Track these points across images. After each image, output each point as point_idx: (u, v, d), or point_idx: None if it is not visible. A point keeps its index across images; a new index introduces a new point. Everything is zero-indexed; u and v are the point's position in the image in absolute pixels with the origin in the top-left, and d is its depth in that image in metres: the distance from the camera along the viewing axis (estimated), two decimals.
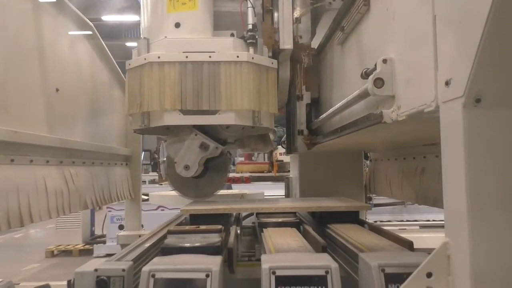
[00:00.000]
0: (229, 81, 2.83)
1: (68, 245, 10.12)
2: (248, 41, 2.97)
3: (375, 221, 7.67)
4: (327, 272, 1.75)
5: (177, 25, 2.97)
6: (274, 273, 1.76)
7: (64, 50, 3.20)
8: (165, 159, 3.56)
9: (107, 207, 9.06)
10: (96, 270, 1.91)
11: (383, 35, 1.90)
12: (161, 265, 1.88)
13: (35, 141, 2.57)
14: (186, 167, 3.06)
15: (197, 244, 2.20)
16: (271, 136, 4.11)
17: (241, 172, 11.66)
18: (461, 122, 1.16)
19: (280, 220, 2.93)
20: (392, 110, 1.70)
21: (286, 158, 10.02)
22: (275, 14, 3.32)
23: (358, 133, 2.25)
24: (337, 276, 1.75)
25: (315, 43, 3.67)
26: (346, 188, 3.93)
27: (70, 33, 3.34)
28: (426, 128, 1.84)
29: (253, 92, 2.89)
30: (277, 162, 10.85)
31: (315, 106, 3.70)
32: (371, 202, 6.57)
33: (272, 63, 3.09)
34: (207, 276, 1.80)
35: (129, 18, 20.04)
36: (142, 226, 4.94)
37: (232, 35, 3.07)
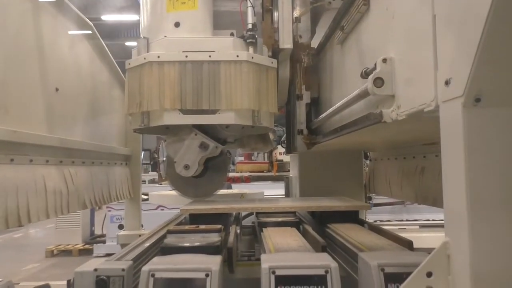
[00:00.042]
0: (229, 80, 2.83)
1: (68, 244, 10.12)
2: (247, 40, 2.97)
3: (375, 221, 7.68)
4: (326, 272, 1.75)
5: (177, 24, 2.97)
6: (273, 272, 1.76)
7: (64, 50, 3.20)
8: (164, 158, 3.56)
9: (107, 207, 9.05)
10: (95, 269, 1.91)
11: (383, 35, 1.90)
12: (161, 265, 1.88)
13: (35, 140, 2.57)
14: (186, 167, 3.06)
15: (196, 244, 2.20)
16: (271, 136, 4.11)
17: (241, 172, 11.67)
18: (461, 122, 1.16)
19: (279, 219, 2.93)
20: (392, 110, 1.70)
21: (286, 158, 10.02)
22: (275, 14, 3.32)
23: (358, 132, 2.25)
24: (336, 275, 1.75)
25: (314, 43, 3.67)
26: (346, 187, 3.93)
27: (70, 33, 3.34)
28: (426, 128, 1.84)
29: (253, 92, 2.88)
30: (277, 162, 10.86)
31: (315, 105, 3.70)
32: (371, 201, 6.57)
33: (272, 62, 3.09)
34: (207, 275, 1.79)
35: (128, 17, 20.03)
36: (142, 225, 4.94)
37: (232, 34, 3.07)
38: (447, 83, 1.24)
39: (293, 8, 3.44)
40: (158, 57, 2.84)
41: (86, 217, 10.57)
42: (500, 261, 1.15)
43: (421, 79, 1.45)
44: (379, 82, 1.72)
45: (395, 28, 1.74)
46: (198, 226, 2.52)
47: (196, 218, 2.81)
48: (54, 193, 2.70)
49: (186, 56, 2.83)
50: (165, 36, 2.95)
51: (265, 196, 4.97)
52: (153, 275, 1.81)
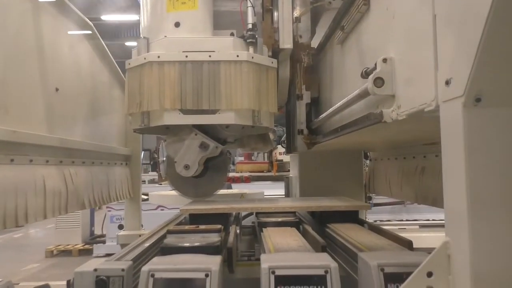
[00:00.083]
0: (229, 80, 2.83)
1: (68, 245, 10.12)
2: (248, 40, 2.97)
3: (375, 221, 7.68)
4: (326, 272, 1.75)
5: (177, 24, 2.97)
6: (273, 272, 1.76)
7: (64, 50, 3.20)
8: (164, 158, 3.56)
9: (107, 207, 9.05)
10: (95, 270, 1.91)
11: (383, 35, 1.90)
12: (161, 265, 1.88)
13: (35, 140, 2.57)
14: (186, 167, 3.06)
15: (196, 244, 2.20)
16: (271, 136, 4.11)
17: (241, 172, 11.67)
18: (461, 122, 1.16)
19: (279, 219, 2.93)
20: (392, 110, 1.70)
21: (286, 158, 10.02)
22: (275, 14, 3.32)
23: (358, 132, 2.25)
24: (336, 275, 1.75)
25: (314, 43, 3.67)
26: (346, 187, 3.93)
27: (70, 32, 3.34)
28: (426, 128, 1.84)
29: (253, 92, 2.88)
30: (277, 162, 10.86)
31: (315, 105, 3.70)
32: (371, 201, 6.56)
33: (272, 62, 3.09)
34: (207, 275, 1.79)
35: (128, 17, 20.03)
36: (142, 226, 4.94)
37: (232, 34, 3.07)
38: (447, 83, 1.24)
39: (293, 8, 3.44)
40: (158, 57, 2.84)
41: (86, 217, 10.57)
42: (501, 261, 1.15)
43: (421, 79, 1.45)
44: (379, 82, 1.72)
45: (396, 28, 1.74)
46: (198, 226, 2.52)
47: (196, 218, 2.80)
48: (53, 194, 2.70)
49: (186, 56, 2.84)
50: (165, 36, 2.95)
51: (265, 196, 4.97)
52: (152, 275, 1.80)
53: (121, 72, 4.20)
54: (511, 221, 1.15)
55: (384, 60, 1.73)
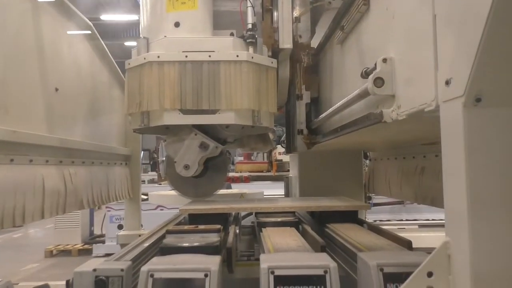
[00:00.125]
0: (228, 80, 2.83)
1: (67, 245, 10.11)
2: (247, 40, 2.97)
3: (375, 221, 7.69)
4: (325, 272, 1.75)
5: (177, 24, 2.97)
6: (272, 272, 1.75)
7: (63, 50, 3.20)
8: (164, 158, 3.56)
9: (106, 207, 9.05)
10: (94, 270, 1.91)
11: (383, 35, 1.90)
12: (160, 265, 1.88)
13: (35, 140, 2.57)
14: (186, 167, 3.06)
15: (196, 244, 2.20)
16: (271, 136, 4.11)
17: (240, 172, 11.67)
18: (461, 122, 1.16)
19: (279, 219, 2.93)
20: (392, 110, 1.70)
21: (285, 158, 10.03)
22: (275, 14, 3.32)
23: (358, 132, 2.25)
24: (335, 275, 1.75)
25: (314, 43, 3.67)
26: (346, 187, 3.93)
27: (69, 32, 3.34)
28: (426, 128, 1.84)
29: (253, 92, 2.88)
30: (276, 162, 10.86)
31: (315, 105, 3.70)
32: (370, 201, 6.57)
33: (272, 62, 3.09)
34: (206, 276, 1.79)
35: (127, 17, 20.01)
36: (141, 225, 4.94)
37: (231, 34, 3.07)
38: (447, 83, 1.24)
39: (293, 8, 3.44)
40: (158, 57, 2.84)
41: (85, 217, 10.56)
42: (501, 261, 1.15)
43: (421, 79, 1.45)
44: (379, 82, 1.72)
45: (395, 28, 1.74)
46: (197, 226, 2.52)
47: (195, 218, 2.81)
48: (51, 194, 2.70)
49: (186, 56, 2.84)
50: (165, 36, 2.95)
51: (264, 196, 4.96)
52: (152, 275, 1.80)
53: (120, 72, 4.20)
54: (511, 221, 1.15)
55: (384, 60, 1.73)
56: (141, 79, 2.88)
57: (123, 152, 4.42)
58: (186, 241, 2.26)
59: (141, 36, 3.07)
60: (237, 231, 3.07)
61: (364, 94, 1.90)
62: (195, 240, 2.29)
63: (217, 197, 3.50)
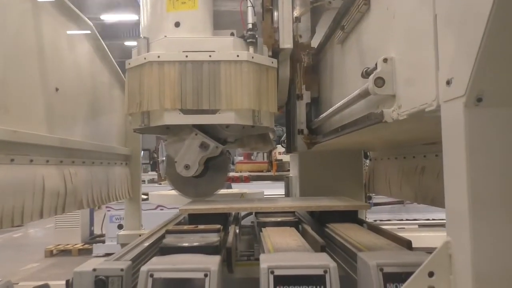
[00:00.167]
0: (229, 80, 2.83)
1: (67, 244, 10.11)
2: (248, 40, 2.97)
3: (375, 220, 7.70)
4: (325, 272, 1.75)
5: (177, 24, 2.97)
6: (272, 272, 1.75)
7: (64, 50, 3.20)
8: (164, 158, 3.56)
9: (106, 207, 9.05)
10: (94, 269, 1.90)
11: (383, 34, 1.90)
12: (160, 265, 1.88)
13: (35, 140, 2.57)
14: (187, 167, 3.06)
15: (195, 244, 2.20)
16: (271, 135, 4.11)
17: (240, 172, 11.67)
18: (462, 122, 1.16)
19: (279, 219, 2.93)
20: (393, 110, 1.70)
21: (285, 158, 10.04)
22: (275, 13, 3.32)
23: (358, 132, 2.25)
24: (335, 275, 1.75)
25: (315, 42, 3.67)
26: (346, 187, 3.93)
27: (69, 32, 3.34)
28: (427, 127, 1.84)
29: (253, 92, 2.88)
30: (276, 162, 10.87)
31: (315, 105, 3.70)
32: (371, 201, 6.57)
33: (272, 62, 3.09)
34: (206, 275, 1.79)
35: (127, 17, 19.99)
36: (141, 225, 4.94)
37: (232, 34, 3.07)
38: (448, 83, 1.24)
39: (293, 8, 3.44)
40: (158, 57, 2.84)
41: (85, 217, 10.56)
42: (502, 261, 1.15)
43: (422, 79, 1.45)
44: (380, 82, 1.72)
45: (396, 28, 1.74)
46: (197, 226, 2.51)
47: (195, 218, 2.80)
48: (51, 194, 2.69)
49: (186, 56, 2.83)
50: (165, 36, 2.94)
51: (264, 196, 4.97)
52: (151, 275, 1.80)
53: (121, 72, 4.20)
54: None
55: (385, 60, 1.73)
56: (142, 79, 2.88)
57: (123, 152, 4.42)
58: (186, 241, 2.26)
59: (141, 36, 3.07)
60: (237, 231, 3.07)
61: (364, 94, 1.90)
62: (195, 240, 2.29)
63: (217, 197, 3.50)
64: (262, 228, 2.77)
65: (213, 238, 2.32)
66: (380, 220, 8.17)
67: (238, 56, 2.86)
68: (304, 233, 2.65)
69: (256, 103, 2.90)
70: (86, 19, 3.57)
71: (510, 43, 1.05)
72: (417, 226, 8.14)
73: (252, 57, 2.91)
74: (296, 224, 2.86)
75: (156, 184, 12.09)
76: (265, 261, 1.81)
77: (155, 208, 7.92)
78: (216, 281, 1.78)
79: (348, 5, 2.40)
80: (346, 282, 1.97)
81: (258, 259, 1.91)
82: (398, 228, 7.28)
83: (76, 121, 3.32)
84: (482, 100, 1.14)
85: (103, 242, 9.60)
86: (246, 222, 3.91)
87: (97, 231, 10.69)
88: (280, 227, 2.79)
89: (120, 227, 8.48)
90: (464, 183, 1.16)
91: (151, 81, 2.83)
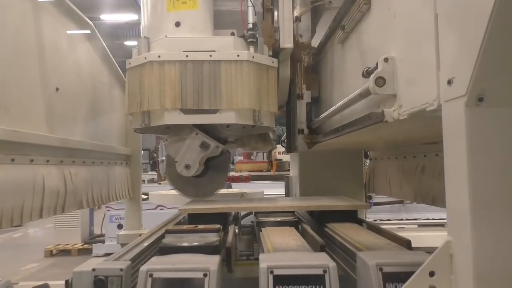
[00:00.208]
0: (229, 80, 2.83)
1: (67, 244, 10.10)
2: (248, 40, 2.97)
3: (375, 220, 7.69)
4: (325, 271, 1.74)
5: (177, 24, 2.97)
6: (272, 272, 1.75)
7: (64, 50, 3.20)
8: (164, 158, 3.56)
9: (106, 207, 9.04)
10: (94, 269, 1.90)
11: (384, 34, 1.90)
12: (159, 265, 1.88)
13: (36, 140, 2.56)
14: (187, 166, 3.06)
15: (195, 244, 2.20)
16: (271, 135, 4.11)
17: (240, 171, 11.67)
18: (463, 121, 1.16)
19: (278, 219, 2.93)
20: (394, 109, 1.70)
21: (285, 157, 10.04)
22: (275, 13, 3.32)
23: (358, 132, 2.24)
24: (335, 275, 1.75)
25: (315, 42, 3.67)
26: (346, 187, 3.93)
27: (70, 32, 3.33)
28: (427, 127, 1.83)
29: (254, 91, 2.88)
30: (276, 161, 10.87)
31: (315, 105, 3.70)
32: (371, 201, 6.57)
33: (273, 62, 3.09)
34: (205, 275, 1.79)
35: (127, 17, 19.98)
36: (141, 225, 4.94)
37: (232, 34, 3.07)
38: (449, 82, 1.24)
39: (293, 8, 3.44)
40: (159, 56, 2.84)
41: (85, 216, 10.55)
42: (503, 260, 1.15)
43: (423, 79, 1.45)
44: (380, 81, 1.72)
45: (397, 28, 1.74)
46: (197, 226, 2.51)
47: (195, 218, 2.80)
48: (51, 194, 2.69)
49: (187, 56, 2.83)
50: (166, 36, 2.94)
51: (264, 196, 4.96)
52: (151, 275, 1.80)
53: (121, 72, 4.20)
54: None
55: (386, 60, 1.73)
56: (142, 79, 2.88)
57: (124, 151, 4.42)
58: (186, 241, 2.26)
59: (141, 35, 3.07)
60: (237, 230, 3.07)
61: (365, 93, 1.90)
62: (194, 239, 2.28)
63: (217, 196, 3.50)
64: (262, 228, 2.77)
65: (213, 238, 2.32)
66: (380, 220, 8.17)
67: (238, 55, 2.86)
68: (303, 233, 2.65)
69: (256, 102, 2.90)
70: (87, 19, 3.56)
71: (511, 42, 1.05)
72: (416, 225, 8.14)
73: (253, 57, 2.91)
74: (295, 223, 2.86)
75: (156, 184, 12.09)
76: (265, 261, 1.81)
77: (155, 208, 7.92)
78: (215, 281, 1.78)
79: (348, 5, 2.40)
80: (346, 282, 1.97)
81: (257, 259, 1.90)
82: (398, 227, 7.27)
83: (76, 121, 3.32)
84: (483, 100, 1.13)
85: (103, 242, 9.58)
86: (245, 221, 3.90)
87: (96, 231, 10.69)
88: (279, 227, 2.79)
89: (119, 227, 8.48)
90: (465, 182, 1.15)
91: (152, 80, 2.83)
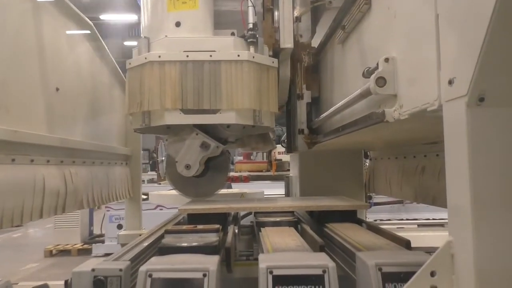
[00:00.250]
0: (229, 80, 2.83)
1: (67, 244, 10.09)
2: (248, 40, 2.97)
3: (375, 220, 7.70)
4: (324, 272, 1.74)
5: (178, 24, 2.97)
6: (271, 272, 1.75)
7: (64, 50, 3.19)
8: (163, 158, 3.56)
9: (106, 207, 9.04)
10: (93, 270, 1.90)
11: (384, 34, 1.90)
12: (158, 265, 1.87)
13: (36, 140, 2.56)
14: (187, 167, 3.06)
15: (194, 244, 2.20)
16: (271, 135, 4.11)
17: (240, 171, 11.67)
18: (464, 121, 1.16)
19: (278, 219, 2.93)
20: (394, 109, 1.70)
21: (285, 157, 10.03)
22: (276, 13, 3.32)
23: (359, 132, 2.24)
24: (334, 275, 1.74)
25: (315, 42, 3.67)
26: (346, 187, 3.93)
27: (70, 32, 3.33)
28: (428, 127, 1.83)
29: (254, 91, 2.88)
30: (276, 161, 10.86)
31: (316, 105, 3.70)
32: (371, 201, 6.57)
33: (273, 62, 3.09)
34: (205, 275, 1.79)
35: (127, 17, 19.99)
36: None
37: (232, 34, 3.07)
38: (450, 82, 1.24)
39: (293, 8, 3.44)
40: (159, 56, 2.84)
41: (85, 217, 10.54)
42: (505, 260, 1.15)
43: (424, 79, 1.45)
44: (381, 81, 1.72)
45: (397, 28, 1.74)
46: (196, 226, 2.51)
47: (194, 218, 2.80)
48: (51, 194, 2.69)
49: (187, 56, 2.83)
50: (166, 36, 2.94)
51: (264, 196, 4.97)
52: (150, 275, 1.80)
53: (121, 72, 4.20)
54: None
55: (386, 60, 1.73)
56: (142, 79, 2.88)
57: (124, 152, 4.42)
58: (185, 241, 2.26)
59: (142, 35, 3.06)
60: (236, 230, 3.07)
61: (365, 93, 1.90)
62: (193, 240, 2.28)
63: (217, 196, 3.50)
64: (261, 228, 2.77)
65: (212, 238, 2.31)
66: (380, 220, 8.17)
67: (238, 55, 2.86)
68: (303, 233, 2.65)
69: (256, 102, 2.90)
70: (86, 18, 3.56)
71: None
72: (416, 225, 8.14)
73: (253, 57, 2.91)
74: (295, 224, 2.86)
75: (156, 184, 12.08)
76: (264, 261, 1.80)
77: (155, 208, 7.92)
78: (215, 281, 1.78)
79: (349, 5, 2.40)
80: (345, 282, 1.97)
81: (257, 259, 1.90)
82: (397, 227, 7.27)
83: (76, 121, 3.32)
84: (484, 100, 1.13)
85: (103, 242, 9.58)
86: (245, 222, 3.90)
87: (96, 231, 10.68)
88: (279, 227, 2.79)
89: (119, 227, 8.48)
90: (466, 182, 1.15)
91: (152, 81, 2.83)
